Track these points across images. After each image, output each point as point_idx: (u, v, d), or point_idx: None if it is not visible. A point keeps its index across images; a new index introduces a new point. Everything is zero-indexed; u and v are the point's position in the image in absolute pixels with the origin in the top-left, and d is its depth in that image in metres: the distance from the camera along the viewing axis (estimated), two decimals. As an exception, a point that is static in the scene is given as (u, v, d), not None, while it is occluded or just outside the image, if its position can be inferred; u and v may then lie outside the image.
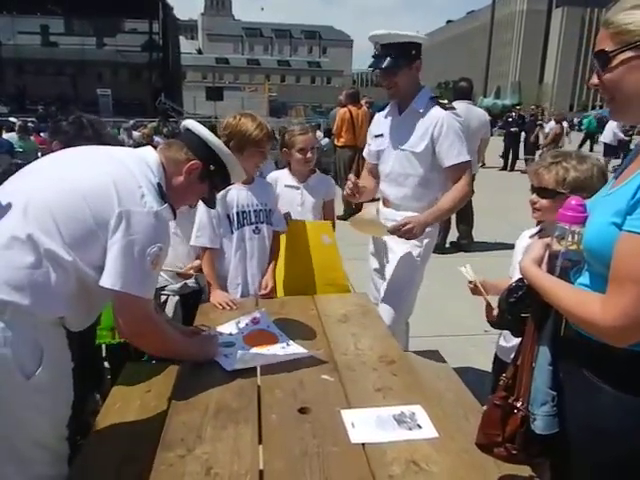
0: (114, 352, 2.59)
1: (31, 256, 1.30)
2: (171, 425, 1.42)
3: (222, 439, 1.35)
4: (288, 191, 2.87)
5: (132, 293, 1.42)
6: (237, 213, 2.41)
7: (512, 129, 13.56)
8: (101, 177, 1.41)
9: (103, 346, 2.60)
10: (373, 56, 2.51)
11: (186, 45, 72.07)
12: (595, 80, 1.18)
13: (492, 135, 13.57)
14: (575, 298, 1.16)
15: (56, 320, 1.40)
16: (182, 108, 31.16)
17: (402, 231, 2.36)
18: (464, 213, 5.98)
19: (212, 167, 1.65)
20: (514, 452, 1.39)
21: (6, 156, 8.73)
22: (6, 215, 1.34)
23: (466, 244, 6.34)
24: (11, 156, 8.75)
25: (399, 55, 2.41)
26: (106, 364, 2.77)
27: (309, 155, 2.78)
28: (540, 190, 1.80)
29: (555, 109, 14.92)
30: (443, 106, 2.50)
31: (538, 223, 2.05)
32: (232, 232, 2.41)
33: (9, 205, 1.35)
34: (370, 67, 2.55)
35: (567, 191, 1.73)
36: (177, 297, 2.57)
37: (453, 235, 6.30)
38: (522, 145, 13.99)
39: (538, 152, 12.54)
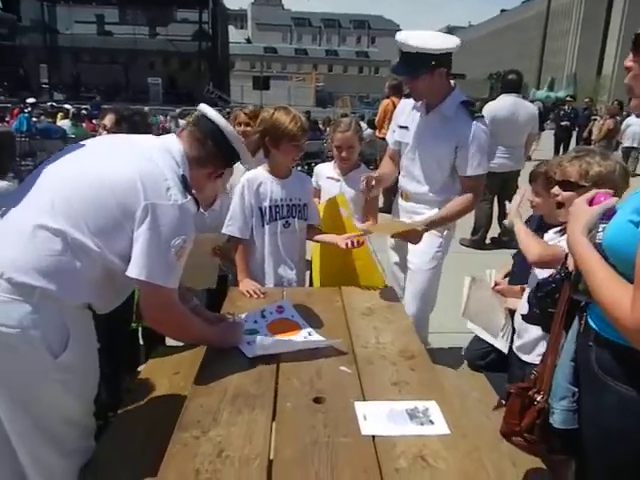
0: (149, 334, 2.70)
1: (58, 244, 1.37)
2: (189, 407, 1.47)
3: (236, 423, 1.40)
4: (329, 183, 2.89)
5: (157, 283, 1.47)
6: (269, 207, 2.42)
7: (563, 123, 13.07)
8: (128, 171, 1.46)
9: (140, 328, 2.71)
10: (398, 60, 2.48)
11: (235, 34, 72.87)
12: (628, 62, 1.16)
13: (544, 130, 13.14)
14: (611, 290, 1.09)
15: (82, 304, 1.47)
16: (229, 97, 31.60)
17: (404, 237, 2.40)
18: (506, 209, 5.85)
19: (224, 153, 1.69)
20: (532, 442, 1.41)
21: (59, 142, 9.12)
22: (34, 205, 1.41)
23: (507, 241, 6.20)
24: (64, 142, 9.14)
25: (416, 63, 2.37)
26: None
27: (344, 154, 2.79)
28: (563, 183, 1.79)
29: (613, 102, 14.24)
30: (472, 114, 2.45)
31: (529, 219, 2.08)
32: (263, 225, 2.43)
33: (36, 195, 1.43)
34: (392, 71, 2.54)
35: (589, 184, 1.71)
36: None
37: (494, 231, 6.17)
38: (574, 140, 13.50)
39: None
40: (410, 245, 2.60)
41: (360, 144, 2.89)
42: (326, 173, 2.93)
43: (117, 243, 1.44)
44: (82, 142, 1.66)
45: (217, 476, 1.21)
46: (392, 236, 2.34)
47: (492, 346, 2.36)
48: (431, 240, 2.56)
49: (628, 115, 10.89)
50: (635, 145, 10.36)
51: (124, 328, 2.49)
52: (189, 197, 1.52)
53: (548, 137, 13.55)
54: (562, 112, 13.55)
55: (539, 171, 2.23)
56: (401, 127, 2.72)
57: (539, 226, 2.27)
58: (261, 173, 2.42)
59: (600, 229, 1.20)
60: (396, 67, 2.47)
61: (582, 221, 1.23)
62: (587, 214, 1.24)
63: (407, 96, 2.73)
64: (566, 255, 1.69)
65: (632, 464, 1.13)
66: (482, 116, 2.50)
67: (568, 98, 15.02)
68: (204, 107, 1.71)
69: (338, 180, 2.86)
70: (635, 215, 1.07)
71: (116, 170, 1.47)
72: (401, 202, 2.80)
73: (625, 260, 1.08)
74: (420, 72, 2.39)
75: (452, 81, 2.55)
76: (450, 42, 2.43)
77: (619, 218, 1.14)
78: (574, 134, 13.49)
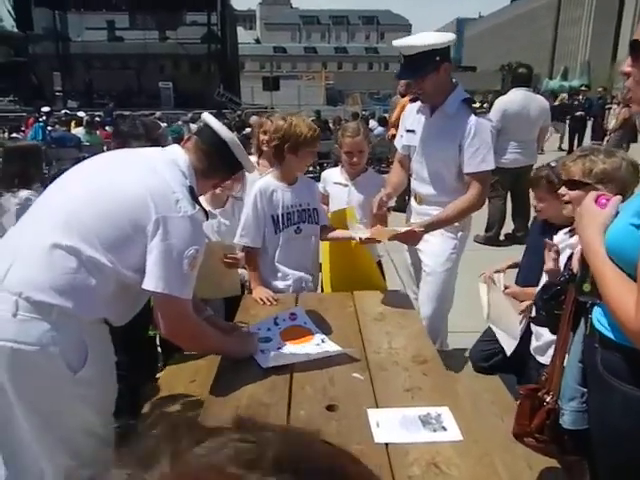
0: (166, 341, 2.74)
1: (73, 262, 1.41)
2: (204, 418, 1.50)
3: (251, 433, 1.42)
4: (336, 188, 2.90)
5: (172, 294, 1.50)
6: (282, 214, 2.43)
7: (578, 113, 12.85)
8: (137, 186, 1.49)
9: (157, 335, 2.75)
10: (401, 66, 2.50)
11: (244, 35, 73.04)
12: (625, 68, 1.15)
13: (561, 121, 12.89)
14: (619, 292, 1.09)
15: (99, 319, 1.51)
16: (240, 99, 31.71)
17: (398, 237, 2.36)
18: (520, 205, 5.81)
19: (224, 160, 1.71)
20: (543, 442, 1.43)
21: (74, 150, 9.25)
22: (47, 224, 1.45)
23: (522, 237, 6.15)
24: (79, 150, 9.27)
25: (422, 64, 2.38)
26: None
27: (354, 160, 2.81)
28: (568, 182, 1.78)
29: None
30: (474, 110, 2.46)
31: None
32: (276, 232, 2.44)
33: (48, 214, 1.47)
34: (397, 77, 2.54)
35: (593, 182, 1.71)
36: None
37: (508, 227, 6.13)
38: (589, 131, 13.27)
39: (606, 138, 11.86)
40: (424, 247, 2.60)
41: (369, 147, 2.91)
42: (334, 178, 2.94)
43: (130, 258, 1.47)
44: (91, 159, 1.70)
45: (233, 487, 1.23)
46: (389, 239, 2.34)
47: (496, 348, 2.36)
48: (445, 242, 2.56)
49: None
50: None
51: (142, 335, 2.53)
52: (198, 207, 1.55)
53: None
54: (576, 102, 13.29)
55: (540, 175, 2.21)
56: (408, 131, 2.73)
57: (543, 231, 2.25)
58: (272, 181, 2.44)
59: None
60: (401, 72, 2.49)
61: (598, 220, 1.22)
62: (601, 215, 1.24)
63: (413, 100, 2.74)
64: (569, 257, 1.69)
65: (636, 460, 1.13)
66: (485, 112, 2.51)
67: (583, 88, 14.72)
68: (207, 117, 1.74)
69: (346, 185, 2.87)
70: (636, 218, 1.08)
71: (125, 186, 1.50)
72: (414, 205, 2.81)
73: (627, 262, 1.09)
74: (427, 71, 2.40)
75: (454, 79, 2.56)
76: (447, 36, 2.46)
77: (621, 221, 1.15)
78: (589, 124, 13.24)
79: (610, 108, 13.86)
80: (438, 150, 2.54)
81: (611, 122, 12.37)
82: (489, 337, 2.49)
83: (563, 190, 1.81)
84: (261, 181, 2.43)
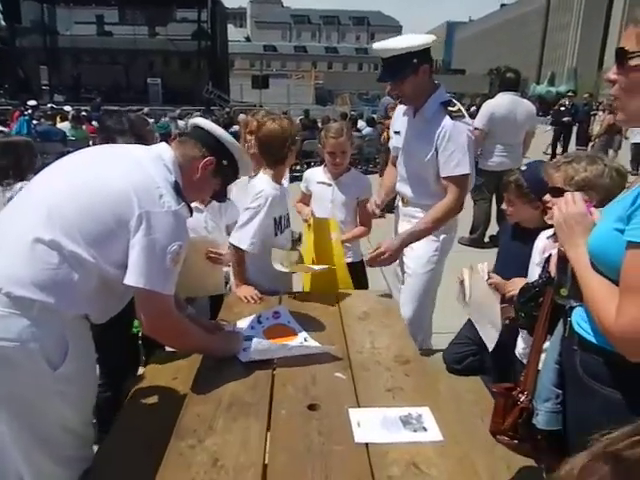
0: (148, 339, 2.71)
1: (55, 257, 1.39)
2: (186, 415, 1.49)
3: (232, 431, 1.42)
4: (320, 188, 2.90)
5: (154, 290, 1.49)
6: (281, 217, 2.42)
7: (565, 119, 12.94)
8: (121, 181, 1.48)
9: (140, 332, 2.72)
10: (381, 69, 2.50)
11: (235, 33, 72.80)
12: (611, 76, 1.15)
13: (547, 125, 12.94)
14: (602, 294, 1.11)
15: (80, 315, 1.49)
16: (229, 96, 31.58)
17: (379, 261, 2.41)
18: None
19: (225, 162, 1.71)
20: (517, 440, 1.44)
21: (59, 144, 9.15)
22: (30, 218, 1.43)
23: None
24: (64, 144, 9.16)
25: (400, 66, 2.38)
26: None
27: (337, 160, 2.81)
28: (551, 190, 1.80)
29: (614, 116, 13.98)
30: (451, 113, 2.44)
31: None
32: (276, 235, 2.40)
33: (31, 208, 1.45)
34: (377, 80, 2.55)
35: (574, 189, 1.72)
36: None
37: (493, 229, 6.18)
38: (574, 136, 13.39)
39: (590, 144, 12.00)
40: (407, 250, 2.61)
41: (352, 147, 2.92)
42: (317, 178, 2.94)
43: (113, 253, 1.46)
44: (75, 153, 1.68)
45: (212, 486, 1.23)
46: (370, 264, 2.40)
47: (469, 351, 2.35)
48: (427, 244, 2.57)
49: None
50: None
51: (126, 332, 2.51)
52: (182, 203, 1.54)
53: (541, 133, 13.40)
54: (563, 107, 13.38)
55: (510, 180, 2.20)
56: (395, 132, 2.75)
57: (513, 235, 2.25)
58: (273, 185, 2.37)
59: None
60: (381, 75, 2.49)
61: (582, 225, 1.23)
62: (586, 219, 1.24)
63: (402, 102, 2.75)
64: (546, 260, 1.70)
65: None
66: (462, 116, 2.46)
67: (570, 93, 14.83)
68: (202, 121, 1.75)
69: (330, 185, 2.87)
70: (620, 223, 1.08)
71: (109, 181, 1.49)
72: (401, 206, 2.82)
73: (610, 267, 1.10)
74: (405, 73, 2.40)
75: (436, 81, 2.56)
76: (425, 38, 2.44)
77: (604, 226, 1.16)
78: (574, 129, 13.34)
79: (595, 114, 14.01)
80: (417, 152, 2.55)
81: (596, 128, 12.52)
82: (462, 339, 2.49)
83: (547, 197, 1.82)
84: (269, 188, 2.34)
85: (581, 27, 79.79)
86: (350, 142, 2.86)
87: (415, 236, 2.49)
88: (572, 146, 13.17)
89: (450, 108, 2.45)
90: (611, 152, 10.29)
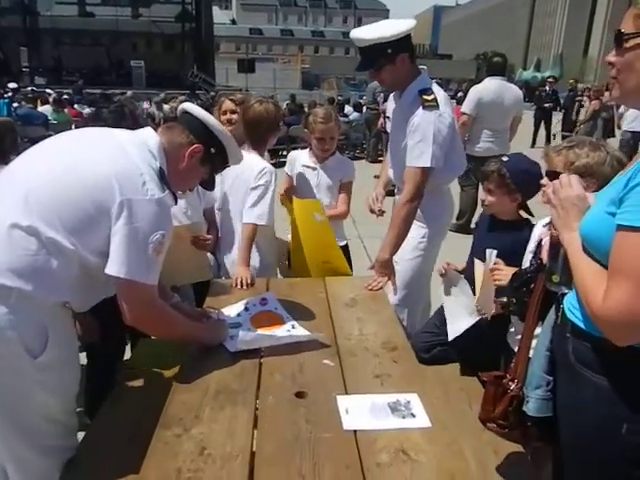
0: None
1: (33, 243, 1.34)
2: (171, 404, 1.47)
3: (218, 420, 1.40)
4: (305, 171, 2.87)
5: (136, 280, 1.45)
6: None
7: (546, 105, 12.92)
8: (102, 166, 1.42)
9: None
10: (359, 56, 2.45)
11: (220, 15, 71.53)
12: (610, 58, 1.15)
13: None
14: (591, 279, 1.11)
15: (61, 302, 1.45)
16: (214, 80, 31.15)
17: (377, 283, 2.36)
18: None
19: (213, 150, 1.66)
20: (507, 428, 1.44)
21: (41, 128, 8.96)
22: (8, 202, 1.38)
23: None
24: (46, 128, 8.98)
25: (374, 56, 2.34)
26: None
27: (326, 146, 2.78)
28: (549, 173, 1.78)
29: (599, 84, 14.02)
30: (423, 103, 2.37)
31: None
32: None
33: (10, 191, 1.40)
34: (355, 69, 2.51)
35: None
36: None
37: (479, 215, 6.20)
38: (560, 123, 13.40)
39: (576, 130, 12.03)
40: None
41: (339, 132, 2.90)
42: (302, 161, 2.89)
43: (93, 241, 1.41)
44: (58, 135, 1.63)
45: (199, 475, 1.21)
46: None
47: (438, 340, 2.32)
48: (415, 230, 2.54)
49: None
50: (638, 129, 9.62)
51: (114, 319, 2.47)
52: (166, 191, 1.49)
53: (527, 119, 13.40)
54: (544, 93, 13.35)
55: (490, 169, 2.16)
56: (387, 118, 2.73)
57: (490, 227, 2.21)
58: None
59: None
60: (358, 65, 2.44)
61: (578, 208, 1.22)
62: (583, 202, 1.23)
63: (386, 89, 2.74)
64: (537, 245, 1.69)
65: (605, 452, 1.15)
66: (435, 106, 2.37)
67: (550, 79, 14.78)
68: (190, 107, 1.70)
69: (315, 169, 2.84)
70: (612, 207, 1.08)
71: (90, 166, 1.44)
72: (396, 192, 2.79)
73: (601, 251, 1.10)
74: (381, 63, 2.36)
75: (421, 66, 2.51)
76: (403, 26, 2.36)
77: (596, 209, 1.15)
78: (554, 115, 13.33)
79: (580, 100, 14.04)
80: (397, 139, 2.52)
81: (582, 114, 12.56)
82: (432, 329, 2.45)
83: (544, 180, 1.81)
84: (267, 164, 2.48)
85: (567, 13, 79.90)
86: (338, 127, 2.83)
87: (393, 245, 2.44)
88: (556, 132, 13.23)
89: (425, 97, 2.37)
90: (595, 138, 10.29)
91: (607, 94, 10.73)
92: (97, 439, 1.65)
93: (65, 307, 1.48)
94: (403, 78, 2.44)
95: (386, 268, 2.43)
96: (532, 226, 1.98)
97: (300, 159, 2.93)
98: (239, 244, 2.44)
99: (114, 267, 1.42)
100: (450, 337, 2.08)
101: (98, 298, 1.58)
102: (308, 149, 2.92)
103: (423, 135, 2.35)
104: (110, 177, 1.40)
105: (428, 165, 2.36)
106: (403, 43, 2.35)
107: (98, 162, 1.44)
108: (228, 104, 2.87)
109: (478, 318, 2.01)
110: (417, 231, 2.57)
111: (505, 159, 2.16)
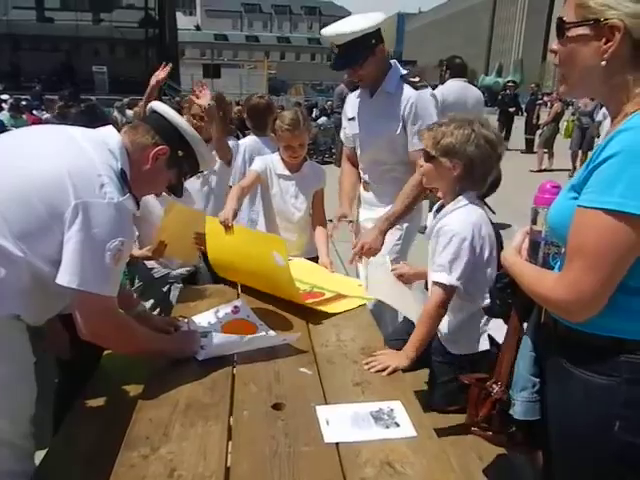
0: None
1: None
2: (137, 421, 1.35)
3: (189, 437, 1.29)
4: (281, 181, 2.67)
5: (89, 291, 1.32)
6: None
7: (510, 109, 13.32)
8: (56, 167, 1.31)
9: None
10: (334, 56, 2.37)
11: (184, 21, 70.95)
12: (554, 46, 1.14)
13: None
14: (535, 275, 1.18)
15: (11, 316, 1.32)
16: (179, 86, 30.75)
17: (362, 253, 2.29)
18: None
19: (180, 153, 1.55)
20: (489, 432, 1.42)
21: (-3, 135, 8.61)
22: None
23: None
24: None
25: (358, 50, 2.30)
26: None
27: (295, 154, 2.58)
28: (423, 152, 1.77)
29: (556, 88, 14.30)
30: (414, 84, 2.38)
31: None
32: None
33: None
34: (333, 68, 2.44)
35: (438, 154, 1.70)
36: (181, 284, 2.56)
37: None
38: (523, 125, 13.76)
39: (538, 132, 12.34)
40: None
41: (309, 136, 2.74)
42: (276, 169, 2.65)
43: (45, 248, 1.29)
44: (9, 133, 1.50)
45: (168, 500, 1.11)
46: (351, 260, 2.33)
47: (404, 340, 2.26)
48: (390, 233, 2.49)
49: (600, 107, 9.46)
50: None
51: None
52: (127, 194, 1.38)
53: (491, 121, 13.69)
54: (506, 98, 13.70)
55: None
56: (349, 119, 2.65)
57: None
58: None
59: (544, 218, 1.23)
60: (337, 63, 2.37)
61: (512, 243, 1.32)
62: (517, 234, 1.32)
63: (354, 89, 2.67)
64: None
65: (598, 451, 1.10)
66: (425, 85, 2.40)
67: (509, 84, 15.22)
68: (159, 106, 1.60)
69: (292, 179, 2.65)
70: (572, 192, 1.08)
71: (43, 166, 1.32)
72: (362, 192, 2.73)
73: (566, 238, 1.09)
74: (365, 56, 2.32)
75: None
76: (377, 17, 2.36)
77: (561, 197, 1.15)
78: (515, 119, 13.73)
79: (541, 104, 14.46)
80: (382, 131, 2.45)
81: (542, 117, 12.92)
82: (401, 335, 2.39)
83: (420, 161, 1.80)
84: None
85: (526, 19, 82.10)
86: (308, 131, 2.64)
87: (392, 220, 2.39)
88: (520, 134, 13.55)
89: (412, 79, 2.39)
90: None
91: (557, 104, 11.12)
92: (54, 463, 1.53)
93: (16, 321, 1.35)
94: (383, 69, 2.41)
95: (376, 241, 2.34)
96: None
97: (274, 167, 2.66)
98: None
99: (66, 277, 1.29)
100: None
101: (55, 311, 1.46)
102: (277, 155, 2.76)
103: (425, 115, 2.33)
104: (63, 176, 1.28)
105: None
106: (380, 34, 2.34)
107: (51, 161, 1.32)
108: (197, 109, 2.81)
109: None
110: (394, 233, 2.52)
111: None
